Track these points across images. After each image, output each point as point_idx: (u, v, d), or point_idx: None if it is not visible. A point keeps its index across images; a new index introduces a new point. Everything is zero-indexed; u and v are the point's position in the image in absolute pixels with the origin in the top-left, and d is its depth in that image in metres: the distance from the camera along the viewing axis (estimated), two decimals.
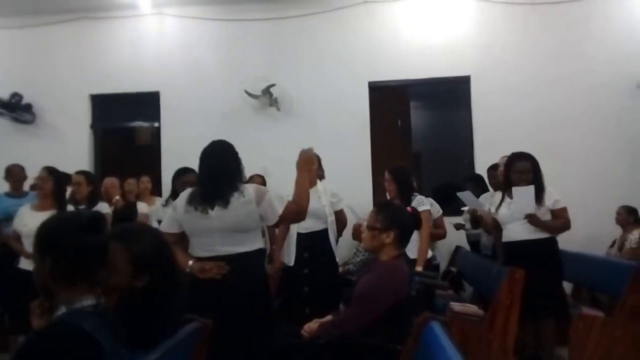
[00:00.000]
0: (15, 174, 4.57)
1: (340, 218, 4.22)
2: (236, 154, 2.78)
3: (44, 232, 1.52)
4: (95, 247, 1.50)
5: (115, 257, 1.67)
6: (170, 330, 1.83)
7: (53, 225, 1.52)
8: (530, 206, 3.53)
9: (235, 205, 2.59)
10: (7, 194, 4.54)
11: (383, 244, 2.53)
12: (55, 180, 3.86)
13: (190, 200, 2.65)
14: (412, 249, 3.24)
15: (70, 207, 3.96)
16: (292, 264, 4.06)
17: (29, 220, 3.72)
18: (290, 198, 2.75)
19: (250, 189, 2.67)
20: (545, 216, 3.60)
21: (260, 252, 2.76)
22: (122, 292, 1.68)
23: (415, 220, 2.75)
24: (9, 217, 4.15)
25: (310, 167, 2.87)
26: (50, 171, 3.90)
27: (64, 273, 1.46)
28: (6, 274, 3.89)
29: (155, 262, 1.74)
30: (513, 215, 3.60)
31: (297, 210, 2.71)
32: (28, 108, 6.09)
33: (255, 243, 2.70)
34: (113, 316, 1.54)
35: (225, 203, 2.58)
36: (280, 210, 2.65)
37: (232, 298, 2.51)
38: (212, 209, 2.58)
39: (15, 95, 5.99)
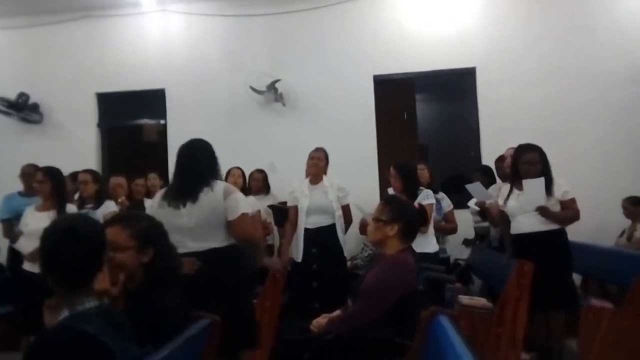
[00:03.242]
0: (27, 174, 4.53)
1: (346, 213, 4.22)
2: (212, 152, 2.81)
3: (41, 249, 1.50)
4: (78, 254, 1.46)
5: (117, 236, 1.77)
6: (178, 327, 1.84)
7: (43, 244, 1.50)
8: (540, 198, 3.51)
9: (204, 199, 2.62)
10: (20, 193, 4.56)
11: (387, 236, 2.54)
12: (52, 181, 3.73)
13: (165, 196, 2.70)
14: (420, 243, 3.23)
15: (73, 207, 3.91)
16: (300, 260, 4.07)
17: (30, 220, 3.72)
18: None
19: (221, 185, 2.71)
20: (555, 207, 3.58)
21: (233, 247, 2.74)
22: (130, 271, 1.77)
23: (422, 216, 2.77)
24: (18, 216, 4.13)
25: None
26: (46, 172, 3.78)
27: (60, 284, 1.47)
28: (16, 275, 3.92)
29: (155, 235, 1.87)
30: (523, 207, 3.58)
31: (254, 235, 2.82)
32: (35, 108, 6.12)
33: (227, 239, 2.70)
34: (119, 314, 1.55)
35: (194, 198, 2.62)
36: (242, 210, 2.66)
37: (203, 294, 2.45)
38: (184, 205, 2.61)
39: (22, 95, 6.03)
